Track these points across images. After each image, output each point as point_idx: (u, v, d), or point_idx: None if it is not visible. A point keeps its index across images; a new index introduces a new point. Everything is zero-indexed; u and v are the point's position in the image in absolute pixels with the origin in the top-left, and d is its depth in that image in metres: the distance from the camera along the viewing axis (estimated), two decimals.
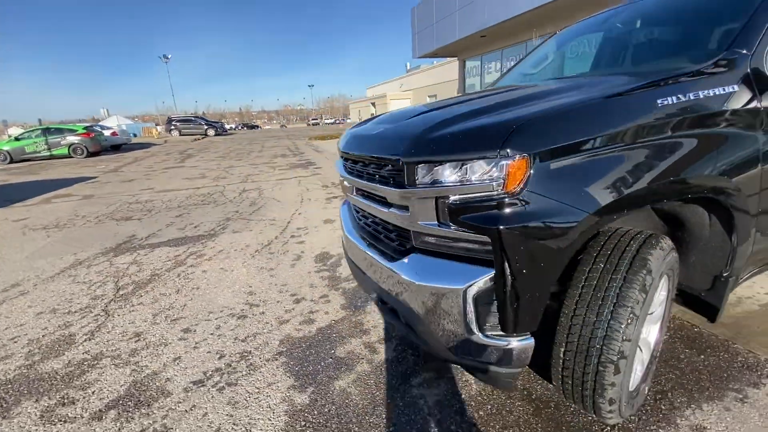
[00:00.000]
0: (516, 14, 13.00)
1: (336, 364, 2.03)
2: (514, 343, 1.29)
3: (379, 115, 2.40)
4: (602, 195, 1.22)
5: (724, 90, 1.43)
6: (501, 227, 1.17)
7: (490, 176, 1.19)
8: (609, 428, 1.50)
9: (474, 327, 1.30)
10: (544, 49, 2.90)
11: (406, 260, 1.48)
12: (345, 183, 1.98)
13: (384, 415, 1.66)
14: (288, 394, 1.82)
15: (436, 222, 1.32)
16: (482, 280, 1.25)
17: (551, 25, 13.80)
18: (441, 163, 1.27)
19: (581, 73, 2.39)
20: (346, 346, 2.17)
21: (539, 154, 1.18)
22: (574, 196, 1.20)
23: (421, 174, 1.31)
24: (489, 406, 1.66)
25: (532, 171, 1.17)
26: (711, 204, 1.51)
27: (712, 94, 1.40)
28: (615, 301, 1.26)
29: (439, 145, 1.28)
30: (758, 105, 1.45)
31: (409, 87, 49.08)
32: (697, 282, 1.71)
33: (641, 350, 1.52)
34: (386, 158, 1.45)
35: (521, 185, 1.17)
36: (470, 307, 1.28)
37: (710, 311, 1.68)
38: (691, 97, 1.36)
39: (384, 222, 1.65)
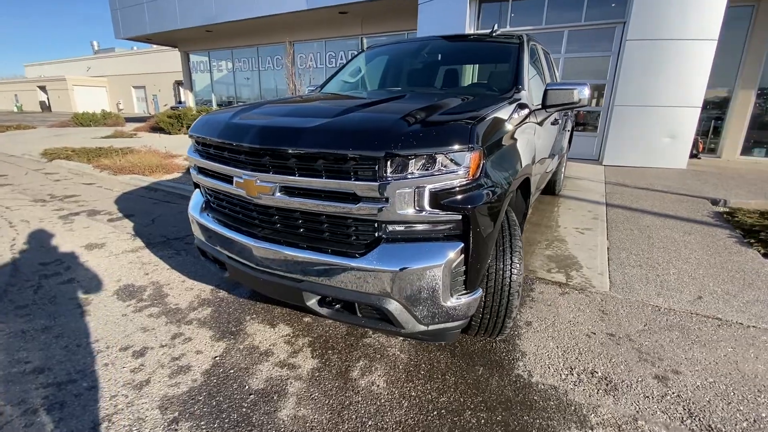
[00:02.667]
0: (248, 17, 13.03)
1: (263, 397, 1.74)
2: (472, 297, 1.65)
3: (262, 104, 2.17)
4: (509, 176, 1.75)
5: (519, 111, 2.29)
6: (470, 206, 1.48)
7: (461, 166, 1.48)
8: (498, 343, 2.12)
9: (448, 293, 1.56)
10: (358, 62, 3.34)
11: (376, 252, 1.54)
12: (233, 186, 1.74)
13: (348, 412, 1.64)
14: None
15: (414, 209, 1.48)
16: (454, 252, 1.53)
17: (287, 35, 14.74)
18: (422, 156, 1.43)
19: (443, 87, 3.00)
20: (258, 376, 1.87)
21: (486, 147, 1.57)
22: (500, 177, 1.67)
23: (406, 166, 1.43)
24: (422, 366, 1.95)
25: (484, 161, 1.55)
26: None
27: (518, 114, 2.22)
28: (511, 250, 1.84)
29: (422, 140, 1.43)
30: (533, 120, 2.41)
31: (102, 72, 39.16)
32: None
33: None
34: (358, 153, 1.44)
35: (480, 172, 1.53)
36: (447, 277, 1.53)
37: None
38: (516, 114, 2.12)
39: (338, 219, 1.60)
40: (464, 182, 1.49)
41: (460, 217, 1.50)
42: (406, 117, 1.58)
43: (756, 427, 1.60)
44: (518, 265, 1.84)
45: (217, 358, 1.99)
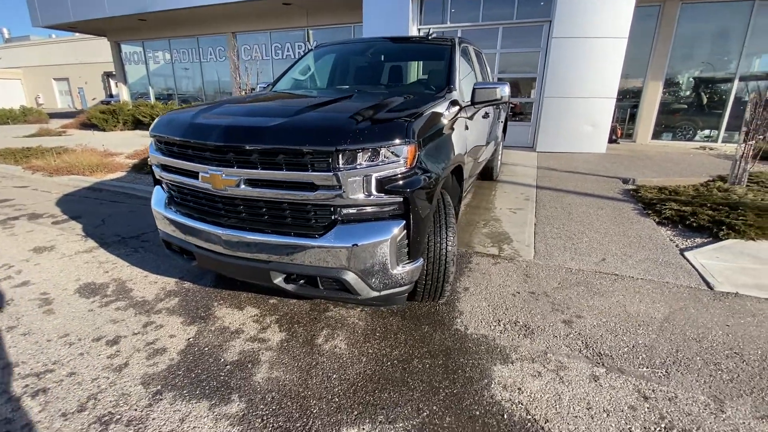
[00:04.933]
0: (185, 6, 12.43)
1: (238, 366, 1.96)
2: (415, 265, 1.99)
3: (222, 104, 2.34)
4: (441, 164, 2.09)
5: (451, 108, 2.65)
6: (408, 190, 1.81)
7: (400, 157, 1.79)
8: (441, 306, 2.49)
9: (395, 263, 1.88)
10: (307, 60, 3.54)
11: (333, 232, 1.82)
12: (199, 180, 1.95)
13: (315, 370, 1.92)
14: (217, 412, 1.68)
15: (363, 194, 1.77)
16: (398, 229, 1.84)
17: (230, 26, 14.22)
18: (368, 149, 1.73)
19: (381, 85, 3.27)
20: (232, 350, 2.09)
21: (421, 140, 1.89)
22: (434, 165, 2.00)
23: (355, 158, 1.71)
24: (377, 329, 2.27)
25: (419, 152, 1.87)
26: (453, 171, 2.75)
27: (451, 110, 2.58)
28: (446, 226, 2.20)
29: (368, 136, 1.72)
30: (463, 115, 2.78)
31: (15, 64, 35.05)
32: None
33: None
34: (314, 149, 1.70)
35: (416, 162, 1.85)
36: (393, 249, 1.85)
37: None
38: (448, 110, 2.47)
39: (298, 205, 1.85)
40: (403, 170, 1.81)
41: (401, 199, 1.81)
42: (354, 116, 1.86)
43: (634, 351, 2.10)
44: (452, 239, 2.20)
45: (190, 340, 2.18)
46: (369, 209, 1.84)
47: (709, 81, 10.13)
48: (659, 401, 1.75)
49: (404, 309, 2.46)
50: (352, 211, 1.83)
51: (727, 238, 3.60)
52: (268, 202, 1.88)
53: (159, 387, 1.82)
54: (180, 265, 3.02)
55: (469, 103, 2.85)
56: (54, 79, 34.20)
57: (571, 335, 2.22)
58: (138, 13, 13.47)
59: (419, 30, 9.08)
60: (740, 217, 3.83)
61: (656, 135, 10.38)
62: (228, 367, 1.96)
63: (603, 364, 1.99)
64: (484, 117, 3.53)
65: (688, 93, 10.42)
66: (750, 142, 5.07)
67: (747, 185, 5.18)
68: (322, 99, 2.38)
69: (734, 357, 2.05)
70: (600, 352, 2.08)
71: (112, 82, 27.60)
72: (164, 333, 2.23)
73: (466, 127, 2.77)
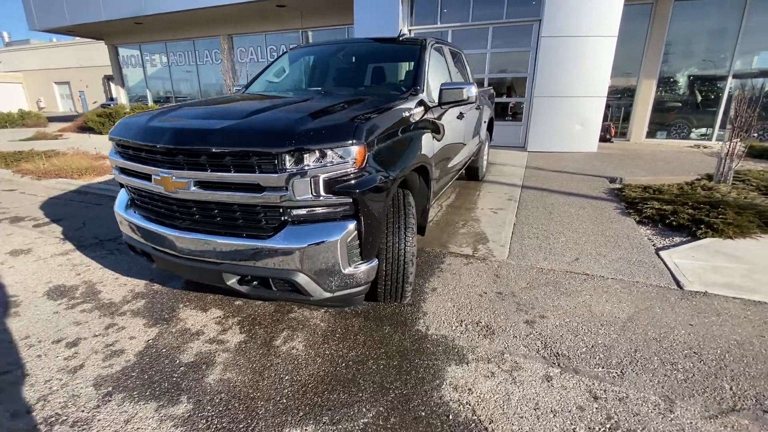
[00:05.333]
0: (179, 9, 12.49)
1: (192, 368, 1.97)
2: (369, 266, 1.98)
3: (181, 107, 2.35)
4: (397, 165, 2.09)
5: (415, 108, 2.65)
6: (357, 191, 1.80)
7: (348, 158, 1.79)
8: (406, 307, 2.49)
9: (346, 263, 1.88)
10: (282, 62, 3.55)
11: (283, 233, 1.82)
12: (152, 183, 1.95)
13: (268, 372, 1.92)
14: (163, 413, 1.68)
15: (311, 195, 1.77)
16: (348, 229, 1.85)
17: (226, 28, 14.30)
18: (314, 151, 1.73)
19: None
20: (189, 352, 2.09)
21: (372, 141, 1.89)
22: (388, 166, 2.00)
23: (301, 160, 1.71)
24: (338, 331, 2.27)
25: (369, 153, 1.87)
26: (420, 171, 2.75)
27: (415, 111, 2.57)
28: (405, 226, 2.20)
29: (313, 138, 1.72)
30: (430, 116, 2.78)
31: (17, 67, 35.32)
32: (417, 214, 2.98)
33: None
34: (259, 150, 1.70)
35: (365, 163, 1.85)
36: (344, 250, 1.85)
37: (421, 230, 3.00)
38: (412, 111, 2.47)
39: (248, 207, 1.85)
40: (352, 172, 1.81)
41: (351, 200, 1.82)
42: (304, 118, 1.86)
43: (592, 352, 2.09)
44: (411, 239, 2.20)
45: (149, 341, 2.19)
46: (320, 210, 1.84)
47: (703, 79, 10.07)
48: (609, 401, 1.74)
49: (368, 310, 2.45)
50: (302, 212, 1.84)
51: (705, 237, 3.57)
52: (219, 203, 1.89)
53: (110, 389, 1.83)
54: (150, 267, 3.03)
55: (437, 103, 2.85)
56: (55, 82, 34.45)
57: (531, 335, 2.21)
58: (133, 16, 13.54)
59: (410, 31, 9.09)
60: (720, 216, 3.80)
61: (651, 134, 10.33)
62: (182, 368, 1.96)
63: (558, 365, 1.98)
64: (459, 117, 3.52)
65: (682, 91, 10.36)
66: (735, 140, 5.03)
67: (732, 183, 5.15)
68: (280, 101, 2.38)
69: (692, 357, 2.04)
70: (557, 353, 2.07)
71: (113, 86, 27.77)
72: (125, 335, 2.24)
73: (433, 127, 2.76)
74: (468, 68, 4.70)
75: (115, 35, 16.82)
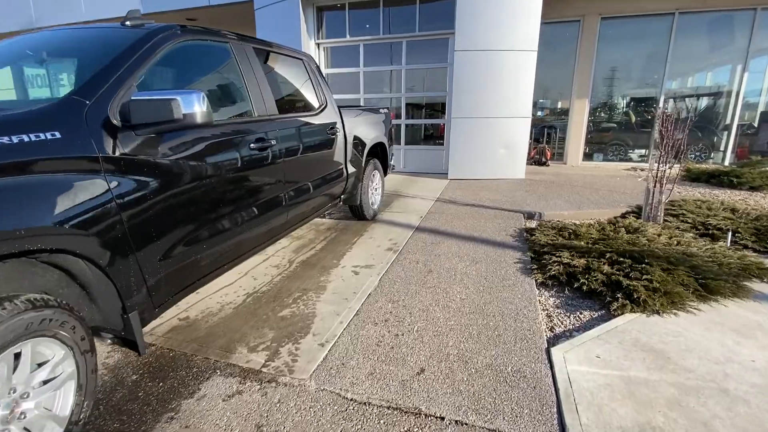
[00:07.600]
0: (72, 22, 10.98)
1: None
2: None
3: None
4: None
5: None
6: None
7: None
8: None
9: None
10: None
11: None
12: None
13: None
14: None
15: None
16: None
17: None
18: None
19: None
20: None
21: None
22: None
23: None
24: None
25: None
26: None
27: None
28: None
29: None
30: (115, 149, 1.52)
31: None
32: (115, 324, 1.68)
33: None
34: None
35: None
36: None
37: (134, 346, 1.70)
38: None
39: None
40: None
41: None
42: None
43: None
44: None
45: None
46: None
47: (638, 99, 9.67)
48: None
49: None
50: None
51: (622, 313, 2.49)
52: None
53: None
54: None
55: (130, 125, 1.58)
56: None
57: None
58: (22, 30, 11.86)
59: (318, 45, 8.05)
60: (643, 276, 2.75)
61: (588, 156, 9.71)
62: None
63: None
64: (254, 153, 2.28)
65: (616, 112, 9.91)
66: (663, 167, 4.15)
67: (664, 219, 4.23)
68: None
69: None
70: None
71: None
72: None
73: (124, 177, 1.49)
74: (324, 85, 3.56)
75: None
